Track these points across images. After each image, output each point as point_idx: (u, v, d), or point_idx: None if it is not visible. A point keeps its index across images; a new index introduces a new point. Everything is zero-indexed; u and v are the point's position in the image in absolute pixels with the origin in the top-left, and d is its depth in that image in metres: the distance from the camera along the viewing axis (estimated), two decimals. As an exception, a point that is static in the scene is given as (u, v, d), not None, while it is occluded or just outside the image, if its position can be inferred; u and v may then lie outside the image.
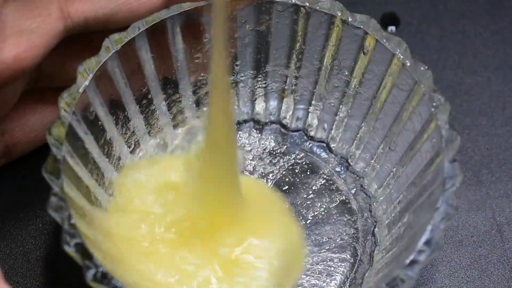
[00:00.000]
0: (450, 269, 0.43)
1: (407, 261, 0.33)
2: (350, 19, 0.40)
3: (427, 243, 0.34)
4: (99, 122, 0.39)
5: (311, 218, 0.43)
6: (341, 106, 0.44)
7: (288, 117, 0.46)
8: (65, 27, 0.38)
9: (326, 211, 0.44)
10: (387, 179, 0.42)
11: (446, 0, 0.55)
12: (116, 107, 0.40)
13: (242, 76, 0.45)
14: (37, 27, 0.37)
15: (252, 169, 0.45)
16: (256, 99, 0.46)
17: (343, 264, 0.42)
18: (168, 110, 0.44)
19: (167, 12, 0.40)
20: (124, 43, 0.39)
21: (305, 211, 0.43)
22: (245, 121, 0.47)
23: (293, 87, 0.45)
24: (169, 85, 0.43)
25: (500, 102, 0.50)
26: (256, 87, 0.45)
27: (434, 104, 0.37)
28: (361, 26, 0.40)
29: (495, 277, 0.43)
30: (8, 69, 0.36)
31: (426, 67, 0.38)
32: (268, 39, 0.43)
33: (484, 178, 0.47)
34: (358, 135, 0.44)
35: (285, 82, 0.45)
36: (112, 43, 0.38)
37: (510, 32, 0.54)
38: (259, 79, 0.45)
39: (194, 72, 0.43)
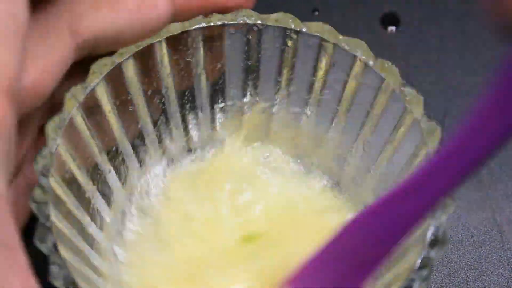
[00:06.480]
0: (450, 269, 0.43)
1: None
2: (339, 43, 0.38)
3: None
4: (88, 147, 0.37)
5: None
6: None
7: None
8: (76, 46, 0.37)
9: None
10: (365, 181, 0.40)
11: (446, 0, 0.55)
12: (103, 132, 0.38)
13: (230, 99, 0.43)
14: (50, 49, 0.36)
15: None
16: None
17: None
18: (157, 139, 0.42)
19: (156, 37, 0.38)
20: (112, 67, 0.37)
21: None
22: None
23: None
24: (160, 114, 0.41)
25: (500, 102, 0.50)
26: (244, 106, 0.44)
27: (407, 98, 0.36)
28: (349, 50, 0.38)
29: (495, 277, 0.43)
30: (29, 96, 0.35)
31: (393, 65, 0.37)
32: (256, 62, 0.41)
33: (484, 178, 0.47)
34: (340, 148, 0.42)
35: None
36: (100, 68, 0.37)
37: (510, 32, 0.54)
38: (247, 97, 0.43)
39: (183, 96, 0.42)
